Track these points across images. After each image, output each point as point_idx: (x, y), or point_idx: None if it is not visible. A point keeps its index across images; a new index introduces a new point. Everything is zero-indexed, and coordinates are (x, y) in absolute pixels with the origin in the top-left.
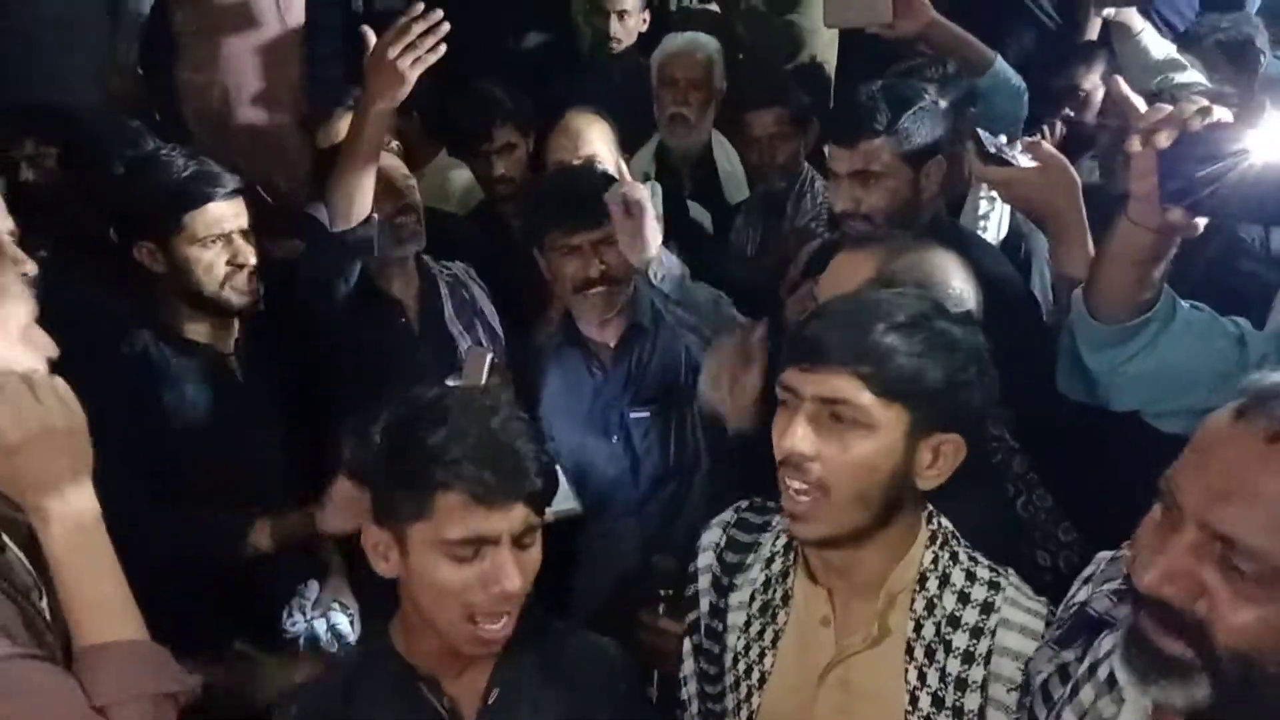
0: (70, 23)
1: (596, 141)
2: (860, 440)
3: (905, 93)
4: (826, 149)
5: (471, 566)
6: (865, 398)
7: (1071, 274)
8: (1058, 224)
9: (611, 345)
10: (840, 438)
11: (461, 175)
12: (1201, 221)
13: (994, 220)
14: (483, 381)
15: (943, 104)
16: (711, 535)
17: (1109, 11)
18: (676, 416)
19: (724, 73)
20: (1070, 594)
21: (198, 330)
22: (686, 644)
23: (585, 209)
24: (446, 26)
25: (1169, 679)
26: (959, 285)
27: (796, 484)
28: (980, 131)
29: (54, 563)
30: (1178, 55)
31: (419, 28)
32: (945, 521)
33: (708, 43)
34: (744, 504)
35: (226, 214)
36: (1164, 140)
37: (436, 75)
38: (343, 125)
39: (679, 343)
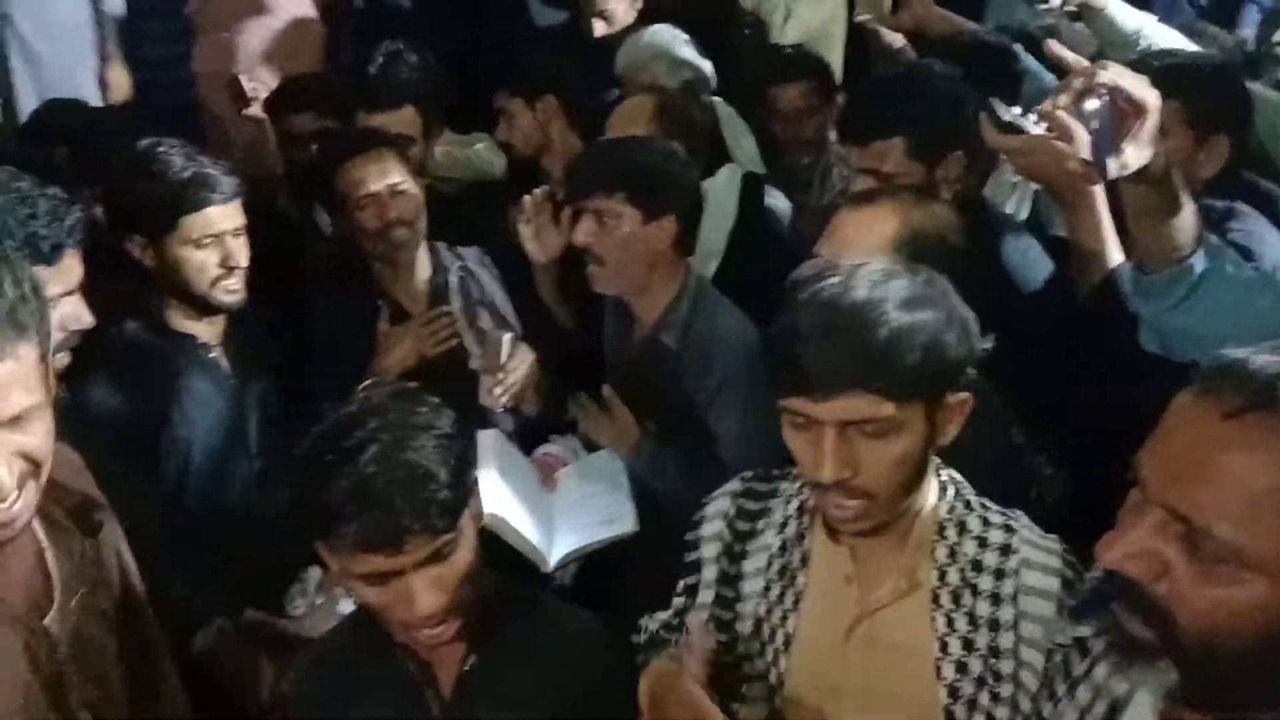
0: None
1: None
2: (894, 442)
3: (920, 84)
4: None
5: (388, 589)
6: (888, 409)
7: (1084, 242)
8: (1070, 194)
9: (636, 340)
10: (873, 446)
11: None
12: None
13: (1014, 200)
14: (502, 362)
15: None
16: (719, 505)
17: None
18: (681, 452)
19: (671, 68)
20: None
21: (185, 324)
22: (678, 601)
23: (579, 176)
24: None
25: (1138, 664)
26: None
27: (841, 499)
28: (994, 100)
29: None
30: (1152, 19)
31: None
32: (951, 471)
33: (642, 49)
34: (749, 474)
35: (221, 217)
36: (1068, 99)
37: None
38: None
39: (708, 378)
